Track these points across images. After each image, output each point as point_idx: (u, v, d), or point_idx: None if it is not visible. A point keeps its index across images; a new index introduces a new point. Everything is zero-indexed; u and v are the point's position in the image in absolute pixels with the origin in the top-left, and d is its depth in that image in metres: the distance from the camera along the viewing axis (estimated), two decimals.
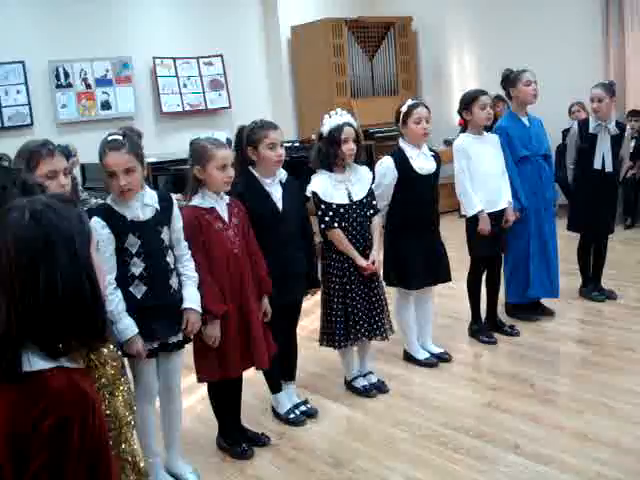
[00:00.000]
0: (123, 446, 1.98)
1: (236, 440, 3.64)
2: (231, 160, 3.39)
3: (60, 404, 1.41)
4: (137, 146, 3.09)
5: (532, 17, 9.19)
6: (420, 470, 3.33)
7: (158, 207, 3.15)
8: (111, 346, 1.83)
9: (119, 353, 1.86)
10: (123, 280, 3.03)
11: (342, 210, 3.96)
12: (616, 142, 5.39)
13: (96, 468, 1.45)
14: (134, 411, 2.03)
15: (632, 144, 8.26)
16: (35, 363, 1.45)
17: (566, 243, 6.01)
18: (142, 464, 2.08)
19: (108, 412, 1.81)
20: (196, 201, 3.40)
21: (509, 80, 5.03)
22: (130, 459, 2.01)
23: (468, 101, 4.68)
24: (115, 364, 1.86)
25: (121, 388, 1.94)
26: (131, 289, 3.05)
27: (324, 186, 3.94)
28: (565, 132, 7.10)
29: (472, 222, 4.72)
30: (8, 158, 4.94)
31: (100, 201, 3.18)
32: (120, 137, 3.04)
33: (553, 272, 5.18)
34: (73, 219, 1.51)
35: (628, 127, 5.94)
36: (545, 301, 5.33)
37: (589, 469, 3.20)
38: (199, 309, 3.22)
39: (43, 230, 1.46)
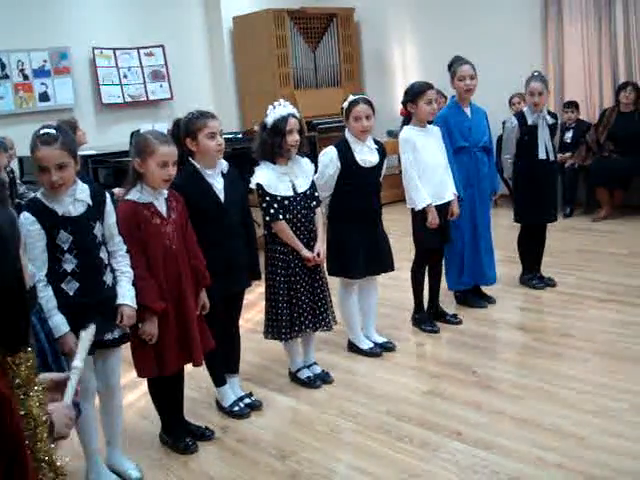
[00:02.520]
0: (39, 445, 1.95)
1: (179, 435, 3.60)
2: (174, 158, 3.31)
3: None
4: (71, 141, 3.02)
5: (474, 10, 9.29)
6: (364, 459, 3.35)
7: (90, 202, 3.07)
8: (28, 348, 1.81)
9: (33, 354, 1.83)
10: (55, 276, 2.96)
11: (287, 202, 3.94)
12: (552, 131, 5.51)
13: (12, 468, 1.42)
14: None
15: (569, 134, 8.45)
16: None
17: (506, 231, 6.11)
18: (59, 463, 2.05)
19: (23, 412, 1.78)
20: (134, 195, 3.32)
21: (450, 71, 5.08)
22: (47, 458, 1.98)
23: (414, 94, 4.68)
24: (29, 364, 1.83)
25: (35, 388, 1.90)
26: (63, 286, 2.99)
27: (268, 178, 3.92)
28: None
29: (419, 215, 4.74)
30: None
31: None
32: (53, 131, 2.96)
33: (486, 262, 5.27)
34: (5, 218, 1.44)
35: (558, 116, 6.08)
36: (486, 289, 5.42)
37: (530, 453, 3.25)
38: (134, 305, 3.17)
39: None
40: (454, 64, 5.07)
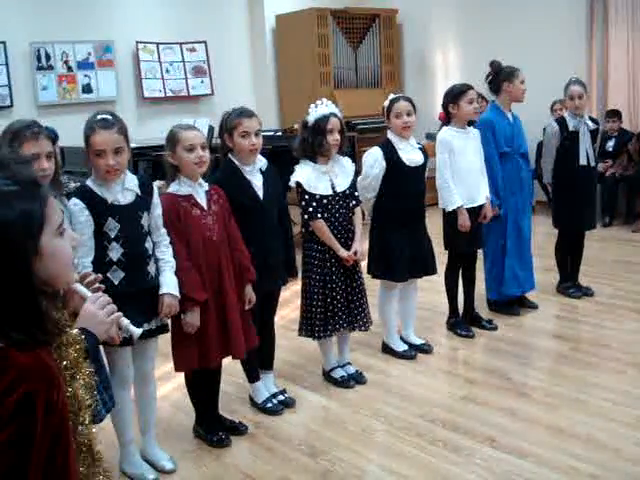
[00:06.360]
0: (80, 428, 1.97)
1: (213, 428, 3.63)
2: (201, 142, 3.34)
3: (27, 378, 1.39)
4: (126, 128, 3.07)
5: (517, 13, 9.22)
6: (396, 461, 3.35)
7: (139, 192, 3.12)
8: (75, 330, 1.82)
9: (82, 337, 1.85)
10: (100, 266, 2.99)
11: (325, 201, 3.95)
12: (593, 137, 5.46)
13: (57, 444, 1.44)
14: (94, 396, 2.02)
15: (611, 143, 8.35)
16: None
17: (544, 239, 6.05)
18: (97, 448, 2.07)
19: (68, 394, 1.81)
20: (173, 188, 3.37)
21: (504, 73, 5.01)
22: (86, 441, 2.00)
23: (456, 95, 4.66)
24: (78, 347, 1.85)
25: (83, 372, 1.92)
26: (108, 275, 3.02)
27: (308, 177, 3.93)
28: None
29: (451, 217, 4.72)
30: None
31: (78, 184, 3.14)
32: (110, 116, 3.02)
33: (529, 268, 5.25)
34: (14, 209, 1.41)
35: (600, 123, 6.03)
36: (528, 294, 5.38)
37: (564, 463, 3.23)
38: (177, 294, 3.20)
39: None
40: (507, 70, 4.99)
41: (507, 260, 5.12)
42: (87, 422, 1.98)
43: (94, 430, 2.01)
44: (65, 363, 1.83)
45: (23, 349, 1.41)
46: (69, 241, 1.55)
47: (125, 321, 2.09)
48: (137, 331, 2.18)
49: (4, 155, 2.19)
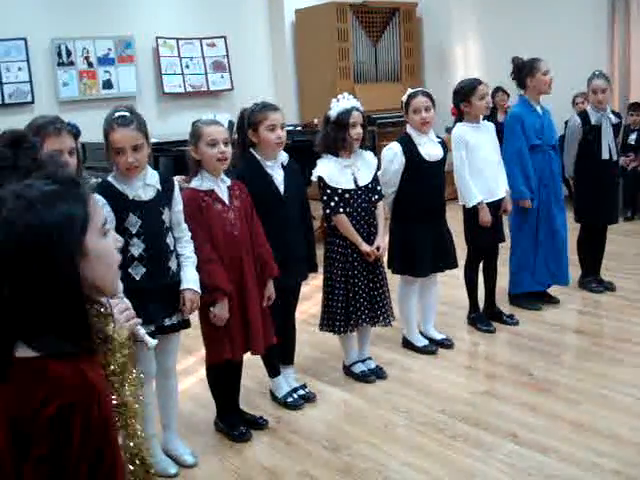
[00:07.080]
0: (130, 439, 1.94)
1: (234, 423, 3.64)
2: (223, 137, 3.35)
3: (62, 392, 1.31)
4: (144, 123, 3.07)
5: (538, 7, 9.14)
6: (418, 456, 3.34)
7: (160, 187, 3.13)
8: (125, 332, 1.81)
9: (131, 341, 1.84)
10: (122, 261, 3.00)
11: (347, 195, 3.94)
12: (615, 131, 5.41)
13: (99, 462, 1.35)
14: (141, 402, 2.00)
15: (633, 136, 8.28)
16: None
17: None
18: (149, 459, 2.03)
19: (116, 402, 1.77)
20: (194, 183, 3.38)
21: (525, 68, 4.98)
22: (137, 452, 1.97)
23: (467, 92, 4.66)
24: (126, 352, 1.83)
25: (131, 378, 1.90)
26: (130, 270, 3.04)
27: (330, 171, 3.92)
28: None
29: (471, 213, 4.70)
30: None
31: (100, 180, 3.15)
32: (128, 113, 3.02)
33: (563, 261, 5.21)
34: (58, 210, 1.35)
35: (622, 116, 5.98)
36: (550, 289, 5.35)
37: (586, 459, 3.20)
38: (198, 290, 3.21)
39: (11, 234, 1.32)
40: (530, 62, 4.96)
41: (540, 251, 5.10)
42: (139, 433, 1.93)
43: (145, 440, 1.96)
44: (113, 368, 1.81)
45: (63, 359, 1.35)
46: (114, 242, 1.50)
47: (141, 330, 2.10)
48: (152, 342, 2.19)
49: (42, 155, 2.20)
